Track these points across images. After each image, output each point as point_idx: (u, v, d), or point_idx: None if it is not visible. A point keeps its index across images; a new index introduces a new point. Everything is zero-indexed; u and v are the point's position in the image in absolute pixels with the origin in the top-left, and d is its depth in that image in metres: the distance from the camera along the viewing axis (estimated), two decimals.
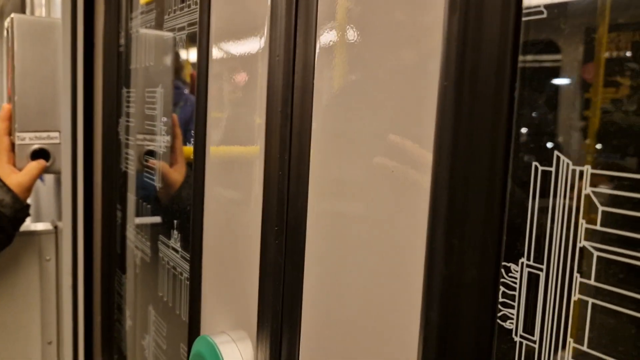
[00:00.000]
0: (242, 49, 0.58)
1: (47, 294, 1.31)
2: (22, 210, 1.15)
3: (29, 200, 1.21)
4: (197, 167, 0.67)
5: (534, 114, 0.31)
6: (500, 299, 0.33)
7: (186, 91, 0.89)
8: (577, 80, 0.29)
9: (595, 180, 0.28)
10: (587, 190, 0.28)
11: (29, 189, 1.17)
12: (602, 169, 0.27)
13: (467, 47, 0.32)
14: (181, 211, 0.81)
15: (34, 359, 1.33)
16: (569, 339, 0.29)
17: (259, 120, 0.55)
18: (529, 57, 0.31)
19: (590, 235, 0.28)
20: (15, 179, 1.15)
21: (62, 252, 1.24)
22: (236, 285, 0.62)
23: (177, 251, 0.81)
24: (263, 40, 0.54)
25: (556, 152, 0.29)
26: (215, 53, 0.64)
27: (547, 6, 0.30)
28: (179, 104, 0.88)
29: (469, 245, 0.33)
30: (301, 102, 0.49)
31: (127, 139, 1.03)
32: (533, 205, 0.31)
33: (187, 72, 0.85)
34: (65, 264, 1.21)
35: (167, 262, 0.85)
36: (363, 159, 0.42)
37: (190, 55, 0.80)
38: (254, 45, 0.56)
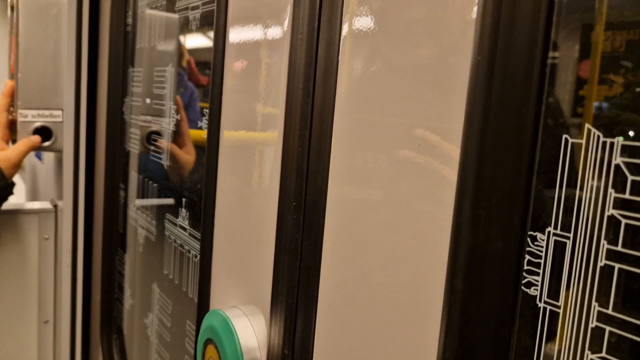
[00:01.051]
0: (263, 26, 0.59)
1: (45, 272, 1.31)
2: (5, 189, 1.14)
3: (18, 179, 1.20)
4: (210, 143, 0.68)
5: (565, 88, 0.32)
6: (525, 267, 0.34)
7: (185, 78, 0.89)
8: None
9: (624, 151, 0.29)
10: (617, 160, 0.29)
11: (15, 166, 1.15)
12: (632, 140, 0.29)
13: (501, 23, 0.33)
14: (190, 190, 0.81)
15: (30, 338, 1.33)
16: (593, 303, 0.31)
17: (280, 96, 0.56)
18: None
19: (619, 203, 0.29)
20: (3, 155, 1.13)
21: (61, 231, 1.24)
22: (249, 260, 0.63)
23: (185, 229, 0.81)
24: (286, 17, 0.55)
25: (587, 125, 0.31)
26: (233, 31, 0.64)
27: None
28: (179, 90, 0.89)
29: (495, 217, 0.34)
30: (324, 81, 0.50)
31: (133, 119, 1.03)
32: (562, 176, 0.32)
33: (197, 54, 0.86)
34: (65, 242, 1.22)
35: (174, 240, 0.86)
36: (388, 140, 0.43)
37: (198, 43, 0.81)
38: (276, 22, 0.56)
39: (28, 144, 1.17)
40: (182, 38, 0.86)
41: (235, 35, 0.64)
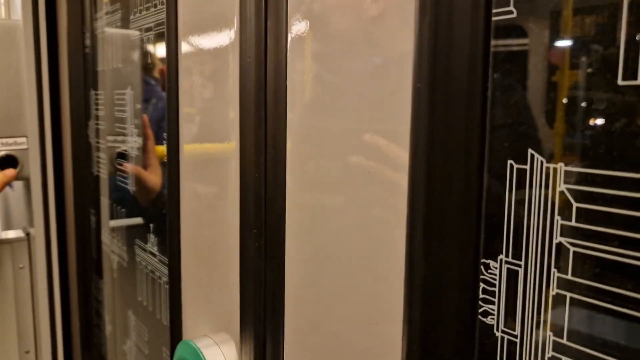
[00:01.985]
0: (212, 50, 0.57)
1: (23, 302, 1.28)
2: None
3: None
4: (171, 170, 0.66)
5: (506, 113, 0.31)
6: (481, 296, 0.33)
7: (158, 88, 0.87)
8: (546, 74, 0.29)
9: (569, 177, 0.28)
10: (562, 187, 0.28)
11: None
12: (575, 165, 0.28)
13: (439, 48, 0.32)
14: (157, 214, 0.80)
15: None
16: (548, 332, 0.30)
17: (233, 122, 0.54)
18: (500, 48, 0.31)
19: (566, 231, 0.28)
20: None
21: (35, 259, 1.21)
22: (217, 288, 0.62)
23: (154, 255, 0.80)
24: (233, 41, 0.53)
25: (530, 150, 0.30)
26: (185, 55, 0.62)
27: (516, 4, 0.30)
28: (151, 101, 0.87)
29: (448, 245, 0.34)
30: (275, 104, 0.49)
31: (98, 142, 1.01)
32: (510, 202, 0.31)
33: (158, 69, 0.84)
34: (40, 271, 1.19)
35: (145, 267, 0.84)
36: (340, 161, 0.42)
37: (159, 54, 0.79)
38: (224, 46, 0.55)
39: (3, 179, 1.15)
40: (145, 50, 0.83)
41: (187, 60, 0.62)
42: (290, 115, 0.47)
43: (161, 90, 0.85)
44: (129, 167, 0.88)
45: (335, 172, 0.42)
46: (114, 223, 0.97)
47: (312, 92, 0.44)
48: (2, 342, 1.28)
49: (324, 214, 0.44)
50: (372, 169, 0.39)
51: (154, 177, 0.84)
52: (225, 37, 0.55)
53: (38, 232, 1.17)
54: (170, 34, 0.63)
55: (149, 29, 0.75)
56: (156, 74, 0.84)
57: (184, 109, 0.63)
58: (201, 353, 0.59)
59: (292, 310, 0.49)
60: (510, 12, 0.30)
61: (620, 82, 0.26)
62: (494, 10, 0.31)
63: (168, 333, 0.75)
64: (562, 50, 0.28)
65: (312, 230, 0.46)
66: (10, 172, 1.17)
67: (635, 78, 0.25)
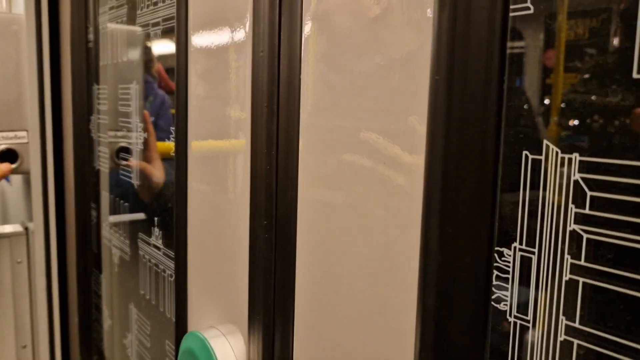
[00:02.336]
0: (223, 44, 0.58)
1: (20, 297, 1.28)
2: None
3: None
4: (179, 163, 0.67)
5: (523, 104, 0.32)
6: (494, 282, 0.34)
7: (155, 85, 0.87)
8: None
9: (583, 166, 0.29)
10: (576, 176, 0.30)
11: None
12: (588, 155, 0.29)
13: (457, 42, 0.33)
14: (162, 208, 0.80)
15: None
16: (561, 317, 0.31)
17: (244, 116, 0.55)
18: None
19: (580, 219, 0.30)
20: None
21: (34, 253, 1.21)
22: (224, 280, 0.62)
23: (159, 248, 0.80)
24: (245, 35, 0.54)
25: (545, 141, 0.31)
26: (195, 49, 0.63)
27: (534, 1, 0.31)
28: (149, 98, 0.87)
29: (462, 233, 0.35)
30: (287, 97, 0.49)
31: (100, 136, 1.01)
32: (524, 192, 0.32)
33: (160, 67, 0.84)
34: (38, 265, 1.19)
35: (148, 260, 0.84)
36: (355, 152, 0.43)
37: (165, 50, 0.79)
38: (236, 40, 0.56)
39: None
40: (148, 46, 0.84)
41: (197, 55, 0.63)
42: (303, 109, 0.48)
43: (157, 88, 0.86)
44: (132, 161, 0.88)
45: (349, 163, 0.43)
46: (116, 217, 0.97)
47: (325, 86, 0.45)
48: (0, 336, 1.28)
49: (336, 205, 0.45)
50: (387, 160, 0.40)
51: (157, 172, 0.84)
52: (238, 31, 0.55)
53: (37, 226, 1.16)
54: (180, 29, 0.64)
55: (156, 24, 0.76)
56: (156, 70, 0.85)
57: (193, 103, 0.64)
58: (209, 344, 0.59)
59: (302, 301, 0.50)
60: (528, 9, 0.31)
61: (635, 75, 0.27)
62: (512, 7, 0.32)
63: (171, 326, 0.76)
64: (574, 47, 0.29)
65: (324, 221, 0.46)
66: (5, 166, 1.16)
67: None
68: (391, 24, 0.39)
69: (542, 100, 0.31)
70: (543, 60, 0.31)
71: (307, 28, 0.47)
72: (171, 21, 0.69)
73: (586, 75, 0.29)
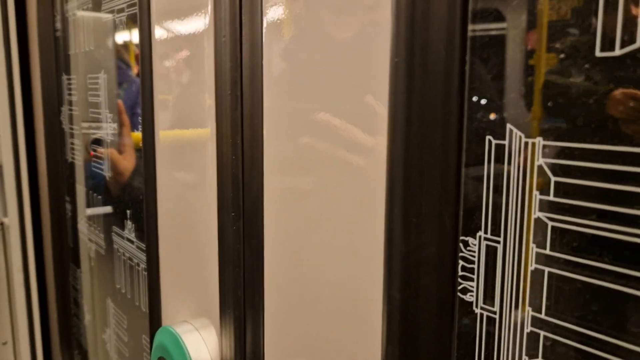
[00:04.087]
0: (186, 30, 0.56)
1: None
2: None
3: None
4: (147, 155, 0.65)
5: (485, 88, 0.31)
6: (460, 273, 0.33)
7: (130, 72, 0.85)
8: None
9: (546, 151, 0.28)
10: (540, 161, 0.28)
11: None
12: (553, 139, 0.28)
13: (416, 23, 0.31)
14: (134, 200, 0.78)
15: None
16: (527, 307, 0.30)
17: (209, 103, 0.53)
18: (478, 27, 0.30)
19: (544, 206, 0.28)
20: None
21: (10, 248, 1.19)
22: (196, 273, 0.61)
23: (132, 242, 0.78)
24: (208, 20, 0.52)
25: (509, 125, 0.29)
26: (158, 36, 0.61)
27: None
28: (123, 85, 0.85)
29: (426, 222, 0.33)
30: (251, 83, 0.47)
31: (72, 128, 0.98)
32: (489, 178, 0.31)
33: (131, 54, 0.82)
34: (15, 261, 1.16)
35: (122, 254, 0.82)
36: (318, 139, 0.41)
37: (133, 37, 0.77)
38: (199, 25, 0.54)
39: None
40: (114, 33, 0.81)
41: (160, 42, 0.61)
42: (266, 95, 0.46)
43: (132, 74, 0.83)
44: (103, 153, 0.86)
45: (313, 151, 0.42)
46: (90, 210, 0.95)
47: (288, 70, 0.43)
48: None
49: (301, 194, 0.44)
50: (350, 147, 0.38)
51: (129, 164, 0.82)
52: (199, 16, 0.53)
53: (12, 220, 1.14)
54: (142, 15, 0.62)
55: (120, 11, 0.73)
56: (128, 56, 0.82)
57: (159, 94, 0.62)
58: (181, 339, 0.58)
59: (271, 293, 0.49)
60: None
61: (598, 53, 0.25)
62: None
63: (147, 320, 0.74)
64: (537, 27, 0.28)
65: (290, 212, 0.45)
66: None
67: (613, 49, 0.25)
68: (351, 4, 0.37)
69: (505, 82, 0.30)
70: (516, 42, 0.30)
71: (268, 11, 0.45)
72: (134, 7, 0.67)
73: (555, 57, 0.28)
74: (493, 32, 0.30)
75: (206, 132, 0.54)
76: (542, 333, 0.29)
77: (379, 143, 0.35)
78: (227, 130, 0.50)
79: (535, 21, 0.28)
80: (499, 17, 0.30)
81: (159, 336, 0.62)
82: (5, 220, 1.22)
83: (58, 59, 0.97)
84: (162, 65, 0.61)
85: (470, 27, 0.30)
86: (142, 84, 0.63)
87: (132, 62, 0.83)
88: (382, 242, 0.36)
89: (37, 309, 1.19)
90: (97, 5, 0.81)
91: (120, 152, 0.83)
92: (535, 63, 0.28)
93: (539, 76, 0.28)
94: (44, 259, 1.18)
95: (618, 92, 0.25)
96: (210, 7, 0.51)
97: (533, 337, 0.30)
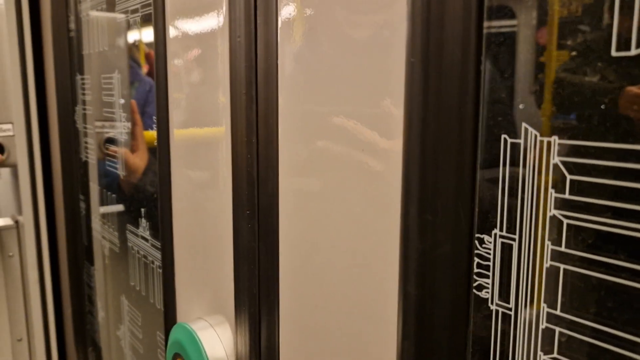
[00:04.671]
0: (200, 30, 0.57)
1: (13, 290, 1.27)
2: None
3: None
4: (161, 154, 0.66)
5: (500, 87, 0.31)
6: (475, 270, 0.33)
7: (140, 71, 0.85)
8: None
9: (562, 150, 0.28)
10: (555, 160, 0.29)
11: None
12: (568, 138, 0.28)
13: (432, 24, 0.32)
14: (148, 199, 0.79)
15: (4, 357, 1.30)
16: (542, 304, 0.30)
17: (224, 102, 0.54)
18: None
19: (559, 204, 0.29)
20: None
21: (25, 246, 1.20)
22: (210, 270, 0.61)
23: (146, 240, 0.79)
24: (223, 20, 0.53)
25: (524, 124, 0.30)
26: (172, 36, 0.62)
27: None
28: (134, 84, 0.85)
29: (442, 220, 0.34)
30: (265, 83, 0.48)
31: (86, 127, 1.00)
32: (504, 177, 0.31)
33: (143, 53, 0.82)
34: (30, 258, 1.18)
35: (137, 251, 0.84)
36: (333, 139, 0.41)
37: (146, 37, 0.78)
38: (213, 26, 0.54)
39: None
40: (128, 33, 0.82)
41: (175, 42, 0.61)
42: (281, 95, 0.47)
43: (142, 74, 0.84)
44: (117, 152, 0.87)
45: (328, 150, 0.42)
46: (104, 209, 0.96)
47: (303, 70, 0.44)
48: None
49: (316, 193, 0.44)
50: (366, 146, 0.38)
51: (143, 163, 0.83)
52: (214, 16, 0.54)
53: (27, 219, 1.15)
54: (157, 15, 0.62)
55: (135, 11, 0.74)
56: (141, 57, 0.83)
57: (174, 93, 0.63)
58: (197, 335, 0.59)
59: (286, 290, 0.49)
60: None
61: (613, 53, 0.26)
62: None
63: (162, 317, 0.75)
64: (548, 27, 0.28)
65: (306, 210, 0.46)
66: None
67: (629, 49, 0.25)
68: (366, 4, 0.38)
69: (521, 82, 0.30)
70: (529, 40, 0.30)
71: (283, 12, 0.45)
72: (149, 8, 0.68)
73: (570, 55, 0.28)
74: (506, 30, 0.31)
75: (221, 131, 0.55)
76: (557, 329, 0.30)
77: (394, 142, 0.36)
78: (242, 130, 0.51)
79: (547, 18, 0.28)
80: (512, 14, 0.30)
81: (174, 333, 0.63)
82: (20, 219, 1.24)
83: (72, 59, 0.99)
84: (176, 65, 0.62)
85: (485, 23, 0.31)
86: (157, 84, 0.64)
87: (142, 62, 0.83)
88: (397, 240, 0.37)
89: (52, 306, 1.21)
90: (111, 6, 0.82)
91: (133, 150, 0.84)
92: (547, 61, 0.29)
93: (552, 75, 0.29)
94: (59, 257, 1.19)
95: (632, 91, 0.25)
96: (225, 7, 0.52)
97: (548, 334, 0.30)
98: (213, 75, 0.56)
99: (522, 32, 0.30)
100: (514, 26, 0.30)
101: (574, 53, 0.27)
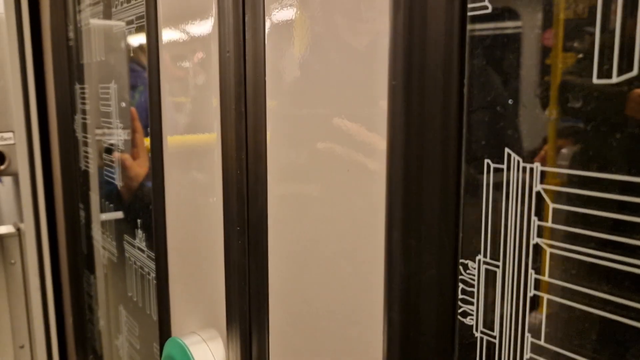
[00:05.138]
0: (191, 46, 0.56)
1: (15, 297, 1.28)
2: None
3: None
4: (155, 167, 0.66)
5: (483, 112, 0.30)
6: (460, 296, 0.33)
7: (145, 74, 0.85)
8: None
9: (545, 177, 0.28)
10: (538, 187, 0.28)
11: None
12: (551, 165, 0.27)
13: (413, 46, 0.31)
14: (144, 209, 0.79)
15: None
16: (527, 334, 0.29)
17: (214, 118, 0.53)
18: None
19: (543, 232, 0.28)
20: None
21: (27, 254, 1.21)
22: (203, 284, 0.61)
23: (142, 250, 0.79)
24: (212, 36, 0.52)
25: (507, 150, 0.29)
26: (165, 52, 0.61)
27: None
28: (139, 88, 0.85)
29: (426, 245, 0.33)
30: (254, 99, 0.48)
31: (85, 136, 1.00)
32: (487, 202, 0.30)
33: (143, 59, 0.82)
34: (32, 266, 1.18)
35: (134, 262, 0.83)
36: (320, 156, 0.41)
37: (141, 47, 0.77)
38: (204, 41, 0.54)
39: None
40: (125, 44, 0.82)
41: (168, 57, 0.61)
42: (269, 109, 0.46)
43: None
44: (115, 161, 0.87)
45: (315, 166, 0.42)
46: (103, 218, 0.96)
47: (290, 85, 0.43)
48: None
49: (305, 209, 0.44)
50: (351, 166, 0.38)
51: (140, 170, 0.83)
52: (204, 31, 0.54)
53: (28, 227, 1.16)
54: (150, 27, 0.62)
55: (130, 22, 0.74)
56: (143, 60, 0.83)
57: (167, 111, 0.62)
58: (189, 351, 0.58)
59: (276, 306, 0.49)
60: (485, 8, 0.29)
61: (595, 80, 0.25)
62: (470, 5, 0.30)
63: (157, 328, 0.75)
64: (533, 52, 0.27)
65: (294, 227, 0.45)
66: None
67: (610, 76, 0.24)
68: (352, 21, 0.37)
69: (504, 107, 0.29)
70: (512, 65, 0.30)
71: (271, 26, 0.45)
72: (143, 20, 0.67)
73: (543, 83, 0.27)
74: (491, 55, 0.30)
75: (212, 147, 0.55)
76: None
77: (379, 164, 0.35)
78: (232, 145, 0.50)
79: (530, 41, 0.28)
80: (496, 41, 0.30)
81: (167, 347, 0.62)
82: (22, 226, 1.24)
83: (71, 68, 0.99)
84: (168, 82, 0.61)
85: (467, 49, 0.30)
86: (150, 93, 0.63)
87: (145, 65, 0.83)
88: (382, 264, 0.36)
89: (53, 313, 1.21)
90: (107, 16, 0.82)
91: (134, 158, 0.84)
92: (534, 88, 0.28)
93: (536, 102, 0.28)
94: (60, 264, 1.19)
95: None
96: (214, 23, 0.51)
97: None
98: (204, 91, 0.55)
99: (507, 58, 0.29)
100: (499, 47, 0.30)
101: (555, 82, 0.27)
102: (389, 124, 0.33)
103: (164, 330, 0.70)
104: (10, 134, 1.15)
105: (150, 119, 0.64)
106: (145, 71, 0.75)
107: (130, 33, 0.75)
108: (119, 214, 0.89)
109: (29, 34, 1.07)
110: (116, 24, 0.79)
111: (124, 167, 0.84)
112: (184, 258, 0.64)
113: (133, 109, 0.84)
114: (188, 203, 0.61)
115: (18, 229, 1.27)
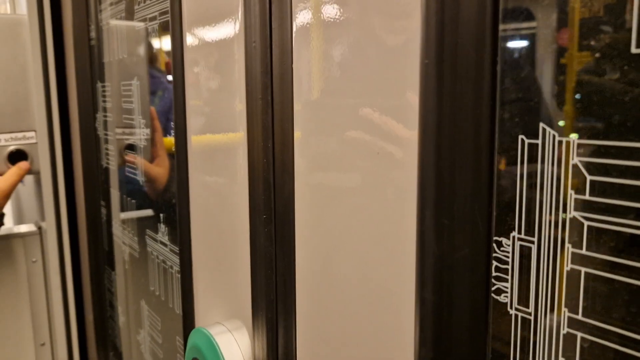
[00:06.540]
0: (216, 37, 0.57)
1: (37, 295, 1.29)
2: None
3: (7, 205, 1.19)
4: (179, 160, 0.66)
5: (517, 87, 0.30)
6: (494, 273, 0.33)
7: (164, 80, 0.86)
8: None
9: (581, 150, 0.28)
10: (575, 160, 0.28)
11: (7, 196, 1.12)
12: (587, 138, 0.27)
13: (446, 24, 0.31)
14: (167, 204, 0.80)
15: None
16: (563, 308, 0.29)
17: (240, 108, 0.54)
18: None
19: (579, 205, 0.28)
20: None
21: (48, 252, 1.22)
22: (228, 275, 0.62)
23: (165, 245, 0.80)
24: (238, 27, 0.53)
25: (542, 124, 0.29)
26: (190, 43, 0.62)
27: None
28: (157, 93, 0.86)
29: (459, 224, 0.33)
30: (281, 88, 0.48)
31: (106, 134, 1.01)
32: (522, 178, 0.30)
33: (163, 61, 0.83)
34: (53, 264, 1.20)
35: (156, 257, 0.84)
36: (348, 144, 0.41)
37: (164, 44, 0.78)
38: (229, 32, 0.55)
39: (19, 172, 1.14)
40: (147, 41, 0.83)
41: (192, 49, 0.62)
42: (296, 98, 0.47)
43: (167, 82, 0.85)
44: (137, 158, 0.88)
45: (343, 154, 0.42)
46: (125, 215, 0.97)
47: (318, 74, 0.44)
48: (18, 335, 1.30)
49: (333, 197, 0.44)
50: (381, 149, 0.38)
51: (162, 169, 0.84)
52: (230, 23, 0.54)
53: (49, 225, 1.17)
54: (174, 22, 0.63)
55: (153, 19, 0.75)
56: (161, 65, 0.84)
57: (191, 99, 0.63)
58: (214, 340, 0.59)
59: (303, 295, 0.49)
60: None
61: (634, 50, 0.25)
62: None
63: (181, 322, 0.76)
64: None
65: (322, 214, 0.45)
66: (24, 164, 1.16)
67: None
68: (380, 8, 0.37)
69: (538, 81, 0.30)
70: (547, 40, 0.30)
71: (297, 15, 0.45)
72: (167, 15, 0.68)
73: (590, 54, 0.27)
74: (524, 32, 0.30)
75: (237, 137, 0.55)
76: (579, 334, 0.29)
77: (409, 146, 0.35)
78: (259, 135, 0.51)
79: (567, 19, 0.28)
80: (529, 16, 0.30)
81: (192, 337, 0.63)
82: (43, 225, 1.26)
83: (93, 67, 1.00)
84: (193, 72, 0.62)
85: (501, 26, 0.30)
86: (175, 90, 0.64)
87: (163, 69, 0.84)
88: (414, 245, 0.36)
89: (74, 310, 1.22)
90: (130, 14, 0.83)
91: (152, 157, 0.85)
92: (567, 62, 0.28)
93: (572, 75, 0.28)
94: (80, 262, 1.21)
95: None
96: (240, 14, 0.52)
97: (570, 339, 0.29)
98: (229, 81, 0.56)
99: (540, 32, 0.29)
100: (531, 27, 0.30)
101: (595, 54, 0.27)
102: (421, 104, 0.33)
103: (188, 323, 0.70)
104: (32, 133, 1.17)
105: (175, 111, 0.65)
106: (164, 73, 0.76)
107: (153, 29, 0.76)
108: (142, 211, 0.90)
109: (51, 34, 1.08)
110: (138, 21, 0.80)
111: (147, 164, 0.85)
112: (208, 250, 0.65)
113: (152, 109, 0.85)
114: (213, 194, 0.62)
115: (39, 228, 1.29)
